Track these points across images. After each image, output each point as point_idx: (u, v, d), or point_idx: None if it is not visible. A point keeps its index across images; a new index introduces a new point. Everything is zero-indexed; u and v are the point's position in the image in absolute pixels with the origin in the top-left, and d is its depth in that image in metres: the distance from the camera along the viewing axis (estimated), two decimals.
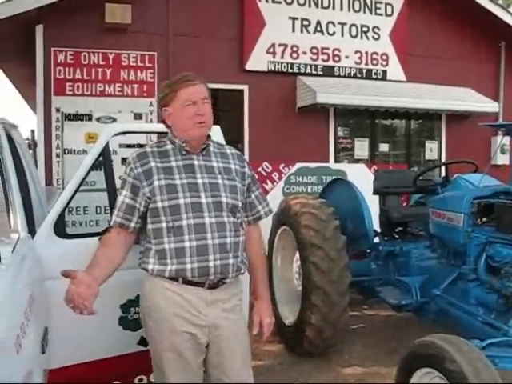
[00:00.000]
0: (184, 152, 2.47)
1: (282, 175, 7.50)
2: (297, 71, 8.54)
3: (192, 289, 2.39)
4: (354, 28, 8.95)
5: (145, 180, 2.39)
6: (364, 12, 9.04)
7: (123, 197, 2.44)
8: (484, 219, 3.94)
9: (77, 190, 2.91)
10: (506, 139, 7.94)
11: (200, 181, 2.42)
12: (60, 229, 2.85)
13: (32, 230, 2.74)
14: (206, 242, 2.35)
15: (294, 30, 8.57)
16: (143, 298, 2.51)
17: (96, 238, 2.90)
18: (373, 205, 5.34)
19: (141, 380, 3.12)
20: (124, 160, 7.29)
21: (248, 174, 2.62)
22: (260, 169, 7.10)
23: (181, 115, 2.44)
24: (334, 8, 8.82)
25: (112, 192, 3.08)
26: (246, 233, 2.63)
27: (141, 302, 2.55)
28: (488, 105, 9.25)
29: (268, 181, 7.26)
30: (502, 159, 8.90)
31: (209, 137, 2.55)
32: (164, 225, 2.37)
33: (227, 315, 2.47)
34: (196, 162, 2.46)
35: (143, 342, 3.05)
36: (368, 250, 5.58)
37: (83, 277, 2.25)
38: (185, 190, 2.38)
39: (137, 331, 3.02)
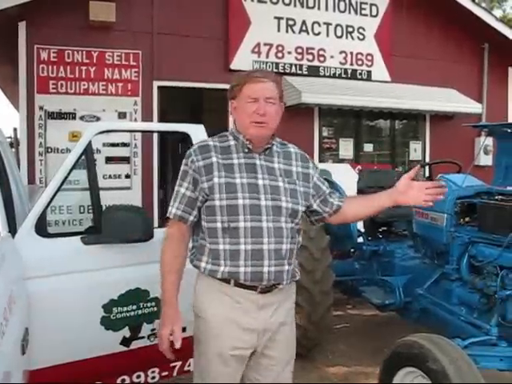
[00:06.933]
0: (246, 150, 2.35)
1: None
2: (282, 71, 8.53)
3: (244, 291, 2.29)
4: (339, 28, 8.97)
5: (204, 175, 2.27)
6: (349, 12, 9.05)
7: (184, 189, 2.33)
8: (467, 219, 3.98)
9: (58, 189, 2.88)
10: (489, 140, 8.03)
11: (261, 182, 2.30)
12: (41, 228, 2.82)
13: (13, 229, 2.72)
14: (261, 247, 2.25)
15: (279, 30, 8.56)
16: (195, 297, 2.42)
17: (78, 237, 2.90)
18: None
19: (123, 380, 3.10)
20: (108, 159, 7.29)
21: (312, 175, 2.48)
22: None
23: (242, 111, 2.33)
24: (319, 8, 8.82)
25: (95, 191, 3.06)
26: (347, 208, 2.55)
27: (193, 301, 2.44)
28: (471, 106, 9.31)
29: None
30: (485, 160, 8.95)
31: (273, 136, 2.41)
32: (219, 225, 2.26)
33: (279, 319, 2.38)
34: (258, 162, 2.34)
35: (125, 342, 3.04)
36: (352, 250, 5.60)
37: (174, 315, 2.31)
38: (244, 190, 2.26)
39: (119, 331, 3.01)
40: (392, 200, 2.47)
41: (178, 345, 2.27)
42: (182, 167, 2.36)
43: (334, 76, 8.90)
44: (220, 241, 2.27)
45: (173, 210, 2.35)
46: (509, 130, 4.15)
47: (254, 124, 2.29)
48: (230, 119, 8.23)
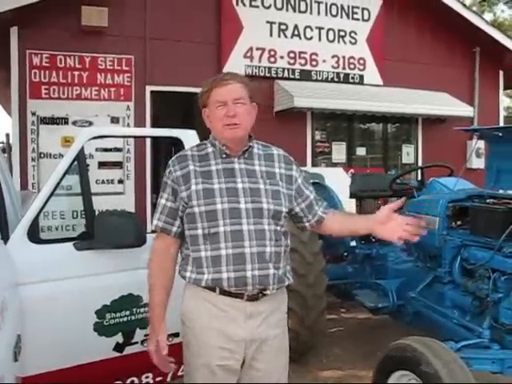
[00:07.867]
0: (224, 155, 2.33)
1: None
2: (274, 75, 8.56)
3: (230, 300, 2.25)
4: (331, 32, 9.01)
5: (183, 184, 2.27)
6: (341, 17, 9.10)
7: (165, 200, 2.34)
8: (459, 222, 3.99)
9: (51, 195, 2.88)
10: (481, 143, 8.07)
11: (240, 185, 2.27)
12: (34, 234, 2.81)
13: (5, 235, 2.71)
14: (243, 251, 2.21)
15: (271, 35, 8.59)
16: (182, 306, 2.38)
17: (70, 243, 2.89)
18: (350, 208, 5.37)
19: None
20: (101, 164, 7.28)
21: (296, 177, 2.45)
22: None
23: (214, 117, 2.33)
24: (311, 12, 8.87)
25: (87, 196, 3.06)
26: (327, 220, 2.51)
27: (180, 310, 2.41)
28: (463, 109, 9.37)
29: None
30: (477, 163, 8.99)
31: (251, 137, 2.41)
32: (200, 232, 2.25)
33: (267, 329, 2.31)
34: (237, 166, 2.32)
35: (119, 347, 3.03)
36: (345, 254, 5.60)
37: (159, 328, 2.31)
38: (223, 194, 2.24)
39: (112, 337, 3.00)
40: (368, 228, 2.42)
41: (164, 352, 2.28)
42: (163, 179, 2.38)
43: (326, 80, 8.94)
44: (202, 248, 2.26)
45: (155, 221, 2.36)
46: (500, 134, 4.17)
47: (227, 127, 2.28)
48: None
